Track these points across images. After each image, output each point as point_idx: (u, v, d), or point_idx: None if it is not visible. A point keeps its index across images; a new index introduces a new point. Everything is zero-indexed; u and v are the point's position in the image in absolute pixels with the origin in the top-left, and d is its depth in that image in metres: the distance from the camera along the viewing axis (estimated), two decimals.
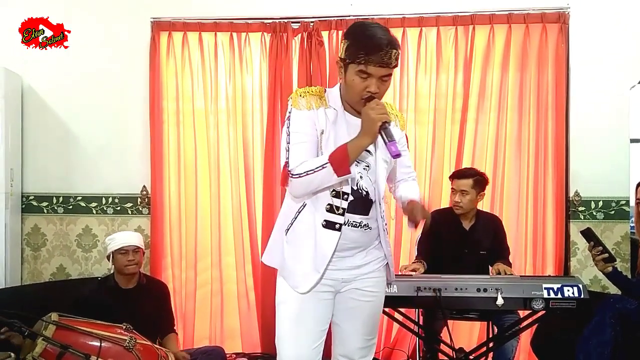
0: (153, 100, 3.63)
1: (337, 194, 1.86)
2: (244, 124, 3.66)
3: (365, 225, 1.91)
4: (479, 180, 3.03)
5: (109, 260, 2.92)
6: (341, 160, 1.78)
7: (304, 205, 1.90)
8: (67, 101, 3.75)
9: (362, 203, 1.90)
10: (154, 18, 3.65)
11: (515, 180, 3.54)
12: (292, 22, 3.59)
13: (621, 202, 3.49)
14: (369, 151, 1.89)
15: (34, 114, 3.75)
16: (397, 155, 1.75)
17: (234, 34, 3.62)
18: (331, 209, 1.87)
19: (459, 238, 3.06)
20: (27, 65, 3.72)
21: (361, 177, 1.89)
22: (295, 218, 1.92)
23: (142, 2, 3.70)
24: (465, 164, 3.48)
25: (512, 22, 3.48)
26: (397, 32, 3.52)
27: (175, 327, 3.07)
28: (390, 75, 1.83)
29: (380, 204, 1.93)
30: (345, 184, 1.86)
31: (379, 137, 1.81)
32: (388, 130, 1.78)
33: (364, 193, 1.90)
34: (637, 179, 2.95)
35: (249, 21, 3.62)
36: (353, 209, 1.88)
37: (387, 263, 2.01)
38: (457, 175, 3.07)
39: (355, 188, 1.88)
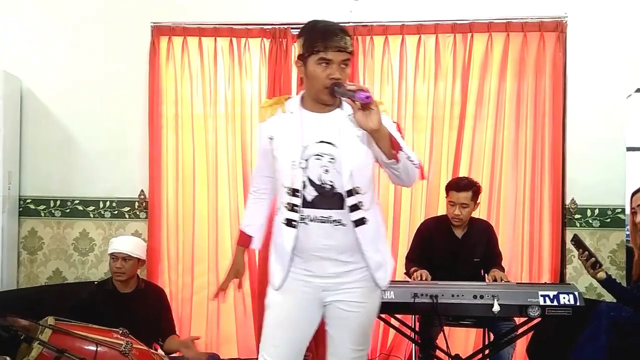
0: (152, 105, 3.64)
1: (292, 192, 1.91)
2: (242, 129, 3.67)
3: (336, 220, 1.90)
4: (476, 191, 3.04)
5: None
6: None
7: (279, 207, 2.01)
8: (66, 104, 3.76)
9: (328, 197, 1.90)
10: (154, 23, 3.66)
11: (512, 187, 3.56)
12: (292, 28, 3.60)
13: (617, 210, 3.50)
14: (332, 143, 1.90)
15: (33, 117, 3.75)
16: (368, 98, 1.68)
17: (234, 39, 3.63)
18: (290, 207, 1.92)
19: (453, 246, 3.06)
20: (27, 68, 3.72)
21: (326, 170, 1.89)
22: (275, 221, 2.03)
23: (142, 7, 3.71)
24: (463, 171, 3.50)
25: (510, 30, 3.50)
26: (396, 39, 3.57)
27: (175, 331, 3.05)
28: (349, 60, 1.87)
29: (358, 195, 1.88)
30: (297, 182, 1.89)
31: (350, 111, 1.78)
32: (341, 86, 1.80)
33: (328, 187, 1.90)
34: (633, 187, 2.96)
35: (249, 27, 3.64)
36: (318, 203, 1.90)
37: (371, 272, 1.95)
38: (457, 187, 3.01)
39: (318, 183, 1.90)
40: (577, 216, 3.53)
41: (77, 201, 3.75)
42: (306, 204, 1.90)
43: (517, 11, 3.52)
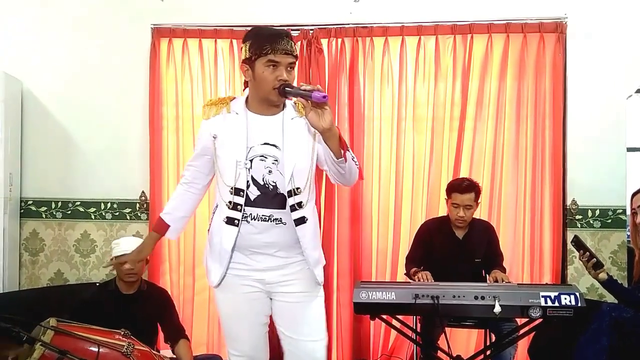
0: (153, 106, 3.64)
1: (235, 191, 1.97)
2: None
3: (277, 219, 1.98)
4: (478, 191, 3.06)
5: (112, 265, 2.90)
6: None
7: (217, 206, 2.05)
8: (66, 106, 3.76)
9: (271, 197, 1.97)
10: (154, 24, 3.67)
11: (513, 188, 3.56)
12: (292, 30, 3.60)
13: (618, 211, 3.51)
14: (276, 145, 1.97)
15: (34, 119, 3.76)
16: (325, 97, 1.73)
17: (234, 41, 3.64)
18: (231, 206, 1.97)
19: (453, 247, 3.07)
20: (27, 70, 3.73)
21: (270, 171, 1.97)
22: (211, 219, 2.08)
23: (142, 9, 3.72)
24: (464, 172, 3.50)
25: (510, 32, 3.51)
26: (396, 41, 3.57)
27: (185, 333, 3.01)
28: (294, 64, 1.94)
29: (298, 196, 1.96)
30: (241, 182, 1.95)
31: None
32: (293, 87, 1.87)
33: (271, 187, 1.97)
34: (633, 188, 2.98)
35: (249, 28, 3.63)
36: (261, 203, 1.97)
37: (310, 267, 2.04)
38: (460, 189, 3.01)
39: (262, 183, 1.97)
40: (578, 217, 3.54)
41: (78, 203, 3.75)
42: (249, 202, 1.97)
43: (517, 12, 3.53)
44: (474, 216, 3.12)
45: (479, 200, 3.08)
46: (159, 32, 3.67)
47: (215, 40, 3.66)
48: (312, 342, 2.03)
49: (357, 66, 3.59)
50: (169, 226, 2.15)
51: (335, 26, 3.60)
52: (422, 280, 2.83)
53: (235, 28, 3.64)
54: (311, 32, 3.60)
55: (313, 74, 3.58)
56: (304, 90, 1.78)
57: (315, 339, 2.04)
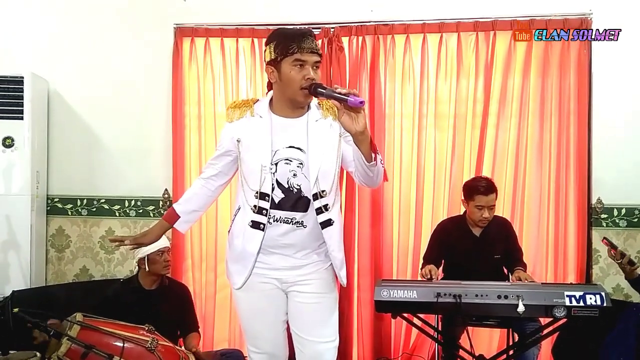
0: (175, 105, 3.68)
1: (261, 196, 1.96)
2: None
3: (298, 222, 1.98)
4: (496, 189, 3.03)
5: (141, 263, 2.92)
6: None
7: (239, 209, 2.04)
8: (92, 105, 3.83)
9: (294, 200, 1.97)
10: (177, 24, 3.71)
11: (537, 186, 3.51)
12: (313, 28, 3.60)
13: None
14: (301, 149, 1.96)
15: (60, 118, 3.83)
16: (362, 103, 1.72)
17: (255, 40, 3.66)
18: (257, 210, 1.97)
19: (471, 245, 3.05)
20: (54, 70, 3.80)
21: (295, 175, 1.96)
22: (233, 220, 2.07)
23: (165, 9, 3.77)
24: (486, 170, 3.47)
25: (534, 28, 3.45)
26: (417, 38, 3.56)
27: (198, 327, 3.08)
28: (319, 63, 1.93)
29: (324, 199, 1.95)
30: (266, 186, 1.95)
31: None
32: (324, 88, 1.83)
33: (295, 190, 1.96)
34: None
35: (270, 27, 3.64)
36: (284, 205, 1.97)
37: (332, 265, 2.05)
38: (485, 191, 2.96)
39: (286, 186, 1.97)
40: (603, 216, 3.48)
41: (102, 200, 3.82)
42: (272, 205, 1.97)
43: (541, 8, 3.48)
44: (500, 214, 3.10)
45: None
46: (182, 32, 3.71)
47: (237, 40, 3.69)
48: (323, 344, 2.03)
49: (378, 64, 3.58)
50: (179, 217, 2.13)
51: (356, 24, 3.59)
52: (427, 277, 2.80)
53: (256, 27, 3.66)
54: (332, 30, 3.60)
55: (334, 72, 3.58)
56: (339, 93, 1.76)
57: (325, 340, 2.03)
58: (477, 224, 3.03)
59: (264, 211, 1.96)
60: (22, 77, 3.53)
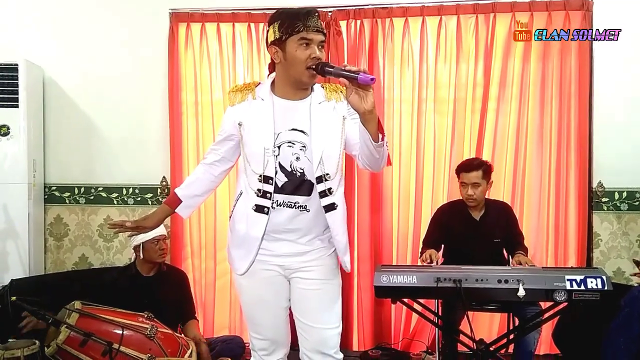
0: (172, 92, 3.65)
1: (264, 179, 1.93)
2: None
3: (301, 206, 1.95)
4: (486, 170, 3.02)
5: (137, 250, 2.92)
6: None
7: (241, 193, 2.01)
8: (88, 93, 3.79)
9: (297, 184, 1.94)
10: (172, 9, 3.66)
11: (537, 170, 3.49)
12: None
13: None
14: (303, 131, 1.93)
15: (56, 106, 3.79)
16: (373, 80, 1.69)
17: (252, 25, 3.61)
18: (261, 193, 1.93)
19: (471, 229, 3.04)
20: (49, 58, 3.76)
21: (297, 158, 1.93)
22: (235, 206, 2.04)
23: None
24: (486, 154, 3.45)
25: (534, 10, 3.41)
26: (416, 21, 3.51)
27: (195, 314, 3.10)
28: (324, 42, 1.89)
29: (328, 182, 1.92)
30: (270, 169, 1.91)
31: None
32: (332, 66, 1.79)
33: (298, 174, 1.93)
34: None
35: (267, 11, 3.60)
36: (287, 189, 1.93)
37: (335, 252, 2.03)
38: (465, 168, 3.02)
39: (289, 169, 1.93)
40: (604, 199, 3.46)
41: (100, 188, 3.79)
42: (276, 189, 1.94)
43: None
44: (491, 197, 3.07)
45: (490, 180, 3.04)
46: (177, 17, 3.66)
47: (233, 24, 3.64)
48: (327, 330, 2.01)
49: (377, 48, 3.54)
50: (180, 201, 2.10)
51: (354, 8, 3.54)
52: (427, 261, 2.79)
53: (252, 11, 3.61)
54: (330, 14, 3.56)
55: (332, 56, 3.54)
56: (349, 71, 1.72)
57: (329, 326, 2.02)
58: (467, 203, 3.03)
59: (268, 194, 1.93)
60: (17, 65, 3.49)
